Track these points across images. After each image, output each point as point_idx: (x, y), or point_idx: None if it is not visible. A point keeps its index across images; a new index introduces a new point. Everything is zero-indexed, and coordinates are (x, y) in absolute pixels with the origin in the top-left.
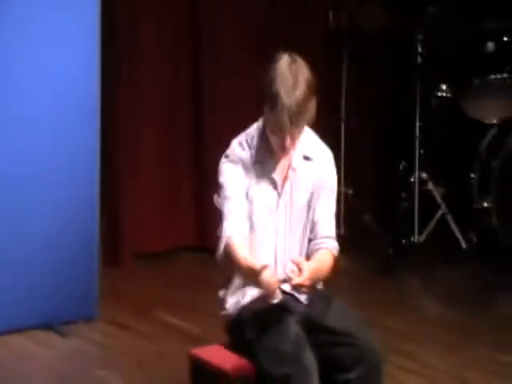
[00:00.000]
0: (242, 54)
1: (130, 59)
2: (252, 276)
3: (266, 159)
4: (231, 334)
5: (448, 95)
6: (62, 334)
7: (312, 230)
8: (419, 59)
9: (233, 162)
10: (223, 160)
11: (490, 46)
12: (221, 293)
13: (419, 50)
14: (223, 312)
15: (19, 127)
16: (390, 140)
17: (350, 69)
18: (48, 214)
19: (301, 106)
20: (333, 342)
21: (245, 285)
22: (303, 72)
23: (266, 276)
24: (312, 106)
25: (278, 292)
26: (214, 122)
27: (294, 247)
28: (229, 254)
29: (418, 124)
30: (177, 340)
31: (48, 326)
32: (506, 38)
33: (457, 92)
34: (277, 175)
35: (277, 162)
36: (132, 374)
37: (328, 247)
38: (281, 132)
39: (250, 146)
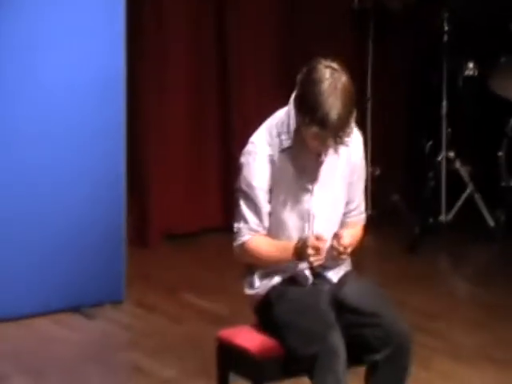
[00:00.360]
0: (266, 40)
1: (156, 55)
2: (289, 254)
3: (295, 148)
4: (259, 315)
5: (475, 73)
6: (90, 317)
7: (345, 206)
8: (445, 37)
9: (256, 153)
10: (245, 153)
11: None
12: (248, 273)
13: (445, 28)
14: (251, 292)
15: (45, 120)
16: (417, 119)
17: (376, 48)
18: (75, 196)
19: (344, 123)
20: (360, 323)
21: (273, 266)
22: (345, 84)
23: (312, 240)
24: (353, 118)
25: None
26: (240, 109)
27: (329, 230)
28: (248, 256)
29: (444, 103)
30: (205, 321)
31: (75, 309)
32: None
33: (484, 70)
34: (308, 161)
35: (308, 149)
36: (160, 356)
37: (359, 219)
38: (319, 144)
39: (280, 133)
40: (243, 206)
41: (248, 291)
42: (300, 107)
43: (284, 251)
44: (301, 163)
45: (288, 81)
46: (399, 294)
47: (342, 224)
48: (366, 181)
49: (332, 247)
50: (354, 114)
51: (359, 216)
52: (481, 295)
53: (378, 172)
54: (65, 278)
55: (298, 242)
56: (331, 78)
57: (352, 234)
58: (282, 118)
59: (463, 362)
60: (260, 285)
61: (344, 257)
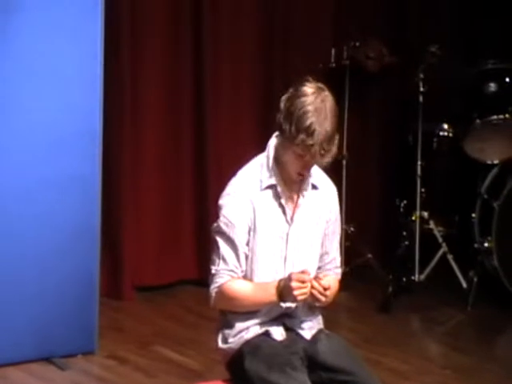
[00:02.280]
0: (244, 82)
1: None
2: (270, 294)
3: (275, 187)
4: (232, 369)
5: (450, 135)
6: (62, 368)
7: (320, 258)
8: (421, 98)
9: (236, 194)
10: (225, 195)
11: (492, 86)
12: (222, 327)
13: (421, 88)
14: (224, 346)
15: (16, 148)
16: (392, 178)
17: (352, 106)
18: (48, 246)
19: (330, 135)
20: (333, 380)
21: (247, 319)
22: (331, 101)
23: (295, 274)
24: (336, 138)
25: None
26: (216, 161)
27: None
28: (227, 300)
29: (419, 163)
30: (177, 375)
31: (47, 360)
32: (507, 79)
33: (458, 132)
34: (287, 203)
35: (287, 189)
36: None
37: (335, 273)
38: (302, 161)
39: (260, 176)
40: (222, 247)
41: (221, 345)
42: (286, 119)
43: (265, 292)
44: (280, 203)
45: (265, 132)
46: (371, 353)
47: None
48: (340, 238)
49: (312, 288)
50: (337, 137)
51: (335, 270)
52: (453, 357)
53: (352, 229)
54: (37, 328)
55: (280, 280)
56: (317, 94)
57: (330, 284)
58: (261, 160)
59: None
60: (233, 339)
61: (323, 299)
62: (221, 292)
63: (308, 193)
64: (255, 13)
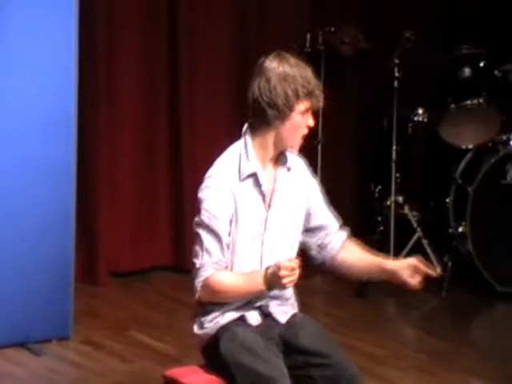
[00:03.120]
0: (219, 76)
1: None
2: (257, 284)
3: (255, 175)
4: (207, 354)
5: (424, 120)
6: (37, 353)
7: (321, 232)
8: (396, 83)
9: (216, 187)
10: (204, 187)
11: (466, 71)
12: (199, 313)
13: (396, 74)
14: (200, 331)
15: None
16: (367, 163)
17: (327, 91)
18: (22, 231)
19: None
20: (309, 363)
21: (223, 304)
22: (294, 58)
23: (284, 262)
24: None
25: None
26: (191, 147)
27: (281, 258)
28: (213, 292)
29: (394, 148)
30: (152, 360)
31: (22, 345)
32: (481, 64)
33: (433, 117)
34: (265, 188)
35: (265, 175)
36: None
37: (342, 236)
38: (308, 117)
39: (239, 165)
40: (206, 240)
41: (197, 331)
42: (275, 94)
43: (252, 281)
44: (261, 190)
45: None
46: (347, 338)
47: (335, 252)
48: None
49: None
50: None
51: (342, 233)
52: (427, 341)
53: None
54: (12, 314)
55: (267, 268)
56: (280, 58)
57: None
58: (239, 149)
59: None
60: (209, 325)
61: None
62: (207, 285)
63: (284, 175)
64: (230, 1)
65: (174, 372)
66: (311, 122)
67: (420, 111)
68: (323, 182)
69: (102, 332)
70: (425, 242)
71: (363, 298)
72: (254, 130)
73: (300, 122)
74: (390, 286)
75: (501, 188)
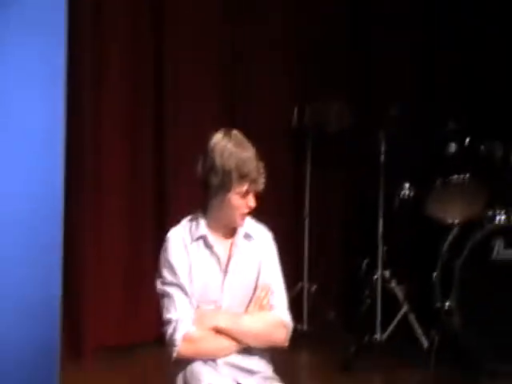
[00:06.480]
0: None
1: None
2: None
3: (209, 237)
4: None
5: (411, 194)
6: None
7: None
8: (382, 158)
9: (172, 248)
10: (162, 251)
11: (452, 147)
12: (178, 381)
13: (382, 148)
14: None
15: None
16: (354, 237)
17: (314, 167)
18: (7, 307)
19: (258, 159)
20: None
21: (201, 374)
22: (239, 134)
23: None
24: (263, 168)
25: None
26: (177, 211)
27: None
28: (197, 345)
29: (381, 222)
30: None
31: None
32: (467, 140)
33: (419, 192)
34: (221, 254)
35: (220, 240)
36: None
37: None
38: (249, 197)
39: (192, 226)
40: (177, 296)
41: None
42: (215, 173)
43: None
44: (213, 252)
45: None
46: None
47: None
48: (302, 296)
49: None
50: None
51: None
52: None
53: (314, 288)
54: None
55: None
56: (226, 134)
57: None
58: (190, 217)
59: None
60: None
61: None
62: (190, 340)
63: (241, 242)
64: (216, 74)
65: None
66: (251, 204)
67: (407, 185)
68: (311, 255)
69: None
70: (411, 316)
71: (349, 373)
72: (204, 202)
73: (237, 202)
74: (377, 360)
75: (487, 264)
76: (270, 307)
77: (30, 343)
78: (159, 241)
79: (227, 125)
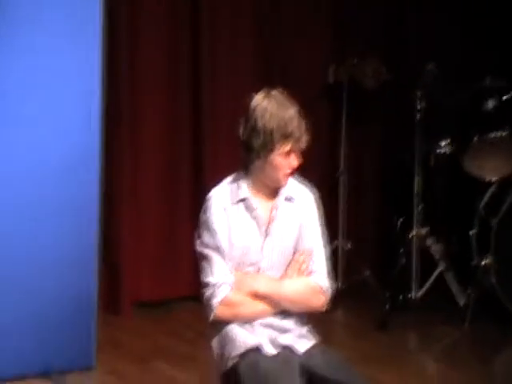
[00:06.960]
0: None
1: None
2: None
3: (251, 200)
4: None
5: (447, 152)
6: (60, 383)
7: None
8: (418, 115)
9: (211, 207)
10: (201, 213)
11: (490, 103)
12: (214, 343)
13: (418, 106)
14: (219, 361)
15: (16, 174)
16: (389, 195)
17: (350, 123)
18: (48, 262)
19: (300, 117)
20: None
21: (241, 334)
22: (280, 94)
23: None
24: (306, 126)
25: None
26: (214, 179)
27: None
28: (234, 309)
29: (416, 180)
30: None
31: (45, 375)
32: (505, 97)
33: (456, 149)
34: (262, 216)
35: (261, 203)
36: None
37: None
38: (290, 159)
39: (227, 190)
40: (215, 259)
41: (217, 360)
42: (257, 134)
43: (270, 282)
44: (254, 215)
45: None
46: (368, 370)
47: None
48: (337, 255)
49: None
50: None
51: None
52: (449, 374)
53: (349, 246)
54: (36, 344)
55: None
56: (266, 94)
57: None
58: (232, 178)
59: None
60: (228, 354)
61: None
62: (228, 303)
63: (282, 204)
64: (253, 30)
65: None
66: (294, 163)
67: (443, 143)
68: (345, 213)
69: (125, 362)
70: (448, 274)
71: (384, 331)
72: (246, 164)
73: (280, 163)
74: (412, 318)
75: None
76: (309, 273)
77: (69, 292)
78: (196, 196)
79: (264, 81)
